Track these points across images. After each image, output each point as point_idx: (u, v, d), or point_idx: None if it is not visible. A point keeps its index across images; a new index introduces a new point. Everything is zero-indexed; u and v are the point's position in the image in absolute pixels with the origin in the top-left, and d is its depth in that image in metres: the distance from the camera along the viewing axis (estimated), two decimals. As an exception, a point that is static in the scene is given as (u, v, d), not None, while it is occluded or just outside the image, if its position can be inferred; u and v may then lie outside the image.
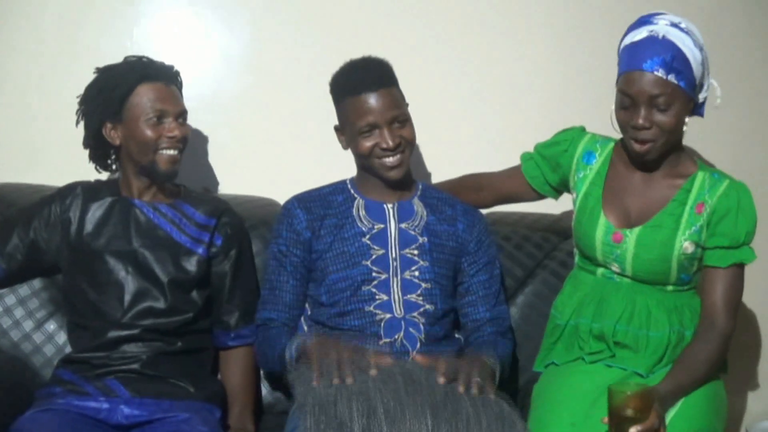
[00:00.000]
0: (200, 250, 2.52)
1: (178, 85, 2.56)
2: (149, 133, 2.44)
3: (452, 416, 1.99)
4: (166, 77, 2.51)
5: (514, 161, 2.63)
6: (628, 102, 2.30)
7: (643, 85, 2.26)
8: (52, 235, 2.51)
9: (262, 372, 2.66)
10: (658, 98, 2.25)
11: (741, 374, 3.17)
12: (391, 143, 2.35)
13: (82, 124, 2.55)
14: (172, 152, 2.47)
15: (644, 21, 2.34)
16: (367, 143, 2.37)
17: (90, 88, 2.52)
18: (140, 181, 2.52)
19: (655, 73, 2.24)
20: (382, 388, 2.03)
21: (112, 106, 2.46)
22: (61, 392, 2.37)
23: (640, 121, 2.27)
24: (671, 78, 2.24)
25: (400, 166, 2.40)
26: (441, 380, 2.11)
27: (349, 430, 1.94)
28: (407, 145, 2.40)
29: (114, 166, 2.61)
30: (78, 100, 2.54)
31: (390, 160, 2.38)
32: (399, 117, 2.38)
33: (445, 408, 2.00)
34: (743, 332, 3.04)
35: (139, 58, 2.54)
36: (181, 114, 2.50)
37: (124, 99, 2.45)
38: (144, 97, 2.45)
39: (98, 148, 2.56)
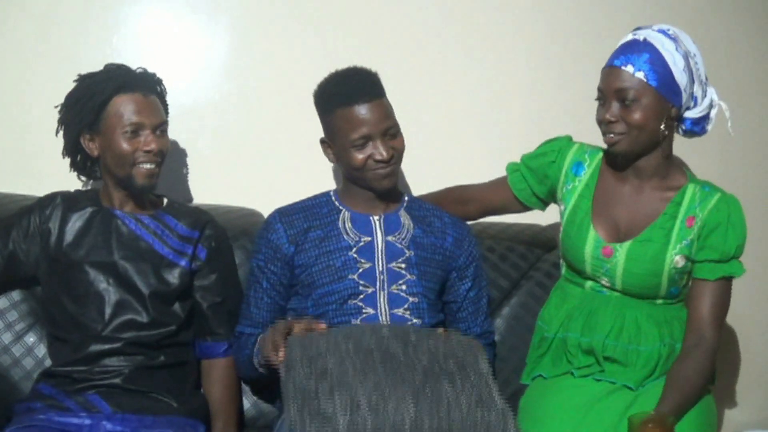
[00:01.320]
0: (183, 263, 2.48)
1: (159, 94, 2.50)
2: (125, 146, 2.39)
3: (433, 402, 1.95)
4: (145, 87, 2.45)
5: (500, 171, 2.61)
6: (600, 97, 2.33)
7: (611, 79, 2.29)
8: (31, 246, 2.46)
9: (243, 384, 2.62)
10: (624, 92, 2.27)
11: (721, 386, 3.17)
12: (385, 155, 2.32)
13: (61, 133, 2.50)
14: (148, 166, 2.41)
15: (636, 28, 2.35)
16: (361, 155, 2.32)
17: (69, 97, 2.47)
18: (120, 192, 2.48)
19: (623, 68, 2.27)
20: (362, 379, 1.98)
21: (88, 116, 2.41)
22: (41, 408, 2.32)
23: (607, 115, 2.29)
24: (640, 74, 2.26)
25: (393, 175, 2.36)
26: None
27: (334, 423, 1.90)
28: (398, 156, 2.37)
29: (98, 174, 2.56)
30: (58, 108, 2.50)
31: (382, 171, 2.34)
32: (392, 128, 2.35)
33: (426, 393, 1.97)
34: (723, 344, 3.04)
35: (119, 66, 2.49)
36: (159, 126, 2.44)
37: (101, 110, 2.40)
38: (120, 108, 2.39)
39: (78, 159, 2.52)
